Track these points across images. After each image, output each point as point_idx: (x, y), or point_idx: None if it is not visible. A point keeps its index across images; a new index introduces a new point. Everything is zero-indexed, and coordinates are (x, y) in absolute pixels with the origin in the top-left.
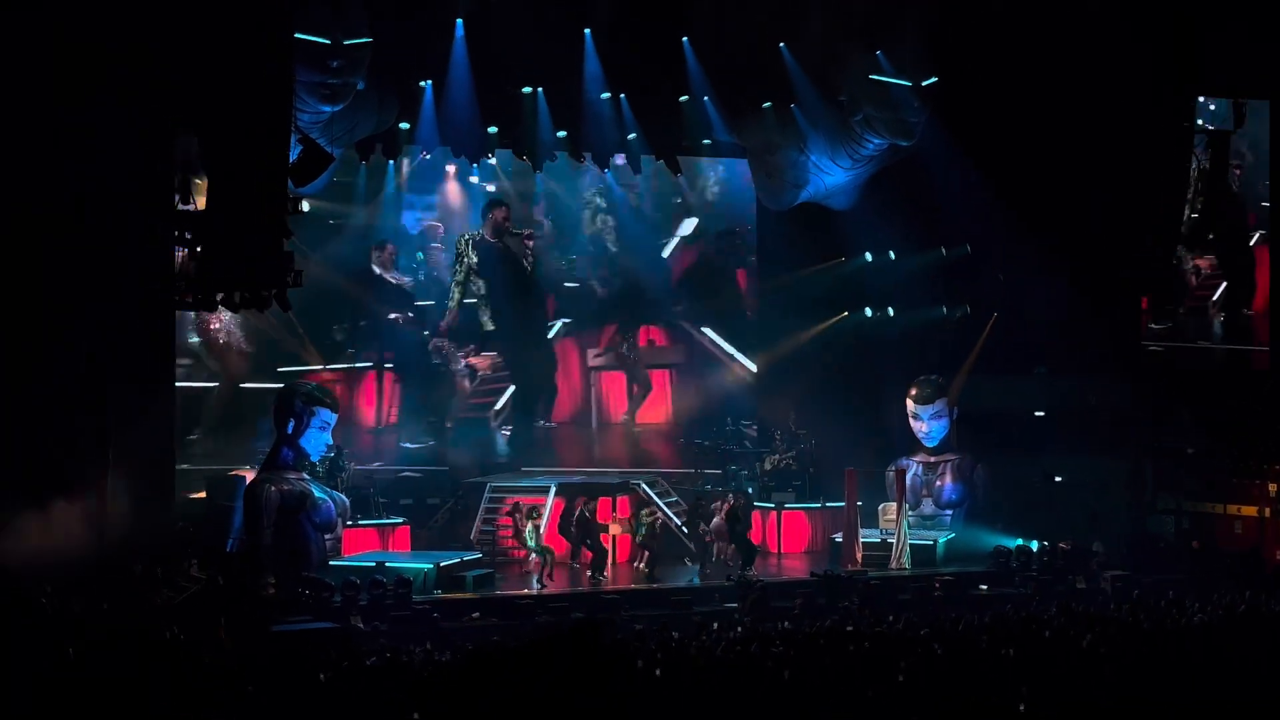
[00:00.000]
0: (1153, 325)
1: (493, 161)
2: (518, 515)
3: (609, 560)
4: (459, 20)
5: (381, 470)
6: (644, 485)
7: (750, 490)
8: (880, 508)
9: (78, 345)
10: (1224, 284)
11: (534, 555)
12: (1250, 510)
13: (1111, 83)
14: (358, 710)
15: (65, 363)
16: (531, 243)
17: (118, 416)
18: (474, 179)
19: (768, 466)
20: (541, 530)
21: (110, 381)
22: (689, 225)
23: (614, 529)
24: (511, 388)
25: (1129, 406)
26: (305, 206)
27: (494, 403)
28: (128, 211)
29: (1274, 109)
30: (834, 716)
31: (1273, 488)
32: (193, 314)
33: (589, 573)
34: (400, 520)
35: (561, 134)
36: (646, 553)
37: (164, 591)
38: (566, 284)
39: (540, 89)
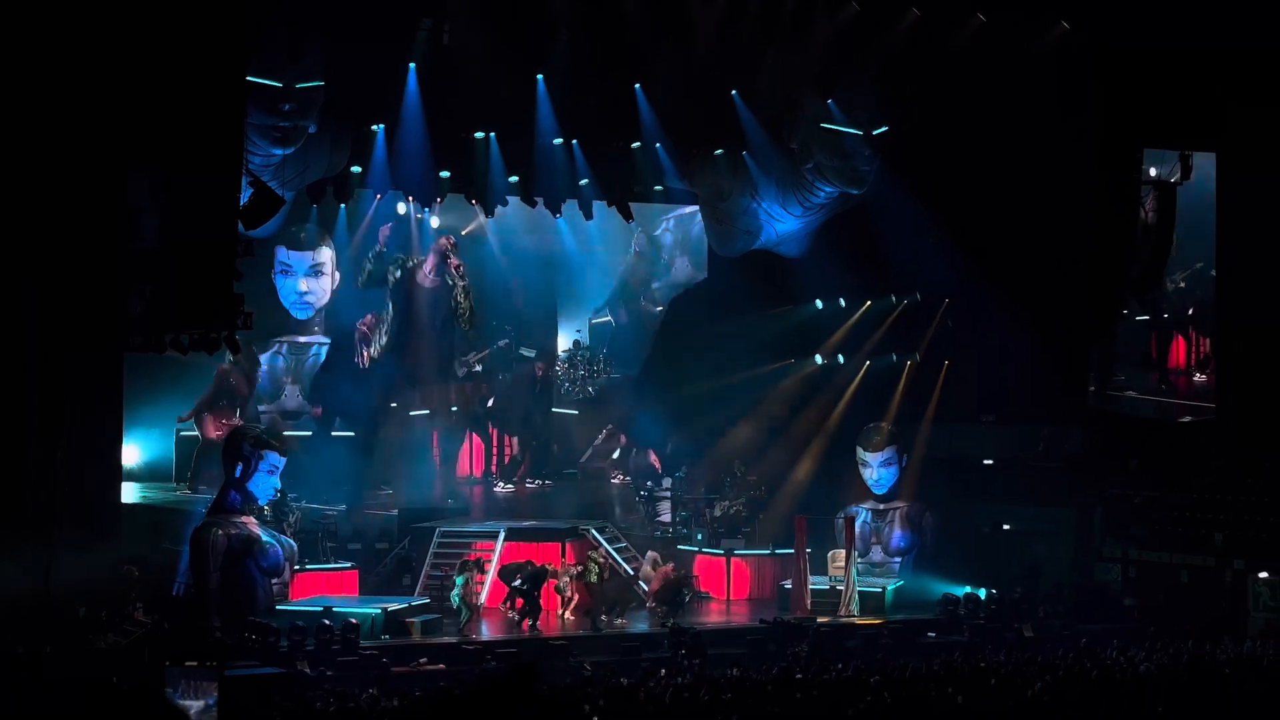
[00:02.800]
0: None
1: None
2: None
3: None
4: (411, 65)
5: (329, 514)
6: (594, 531)
7: (700, 536)
8: (829, 555)
9: (25, 387)
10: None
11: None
12: (1197, 559)
13: (1060, 134)
14: None
15: (11, 404)
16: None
17: (65, 458)
18: None
19: (717, 513)
20: (465, 583)
21: (57, 423)
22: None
23: (562, 578)
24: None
25: (1077, 455)
26: None
27: None
28: (76, 252)
29: (1220, 162)
30: None
31: (1219, 537)
32: None
33: (521, 620)
34: (348, 565)
35: (513, 179)
36: (575, 599)
37: (108, 635)
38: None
39: (493, 134)
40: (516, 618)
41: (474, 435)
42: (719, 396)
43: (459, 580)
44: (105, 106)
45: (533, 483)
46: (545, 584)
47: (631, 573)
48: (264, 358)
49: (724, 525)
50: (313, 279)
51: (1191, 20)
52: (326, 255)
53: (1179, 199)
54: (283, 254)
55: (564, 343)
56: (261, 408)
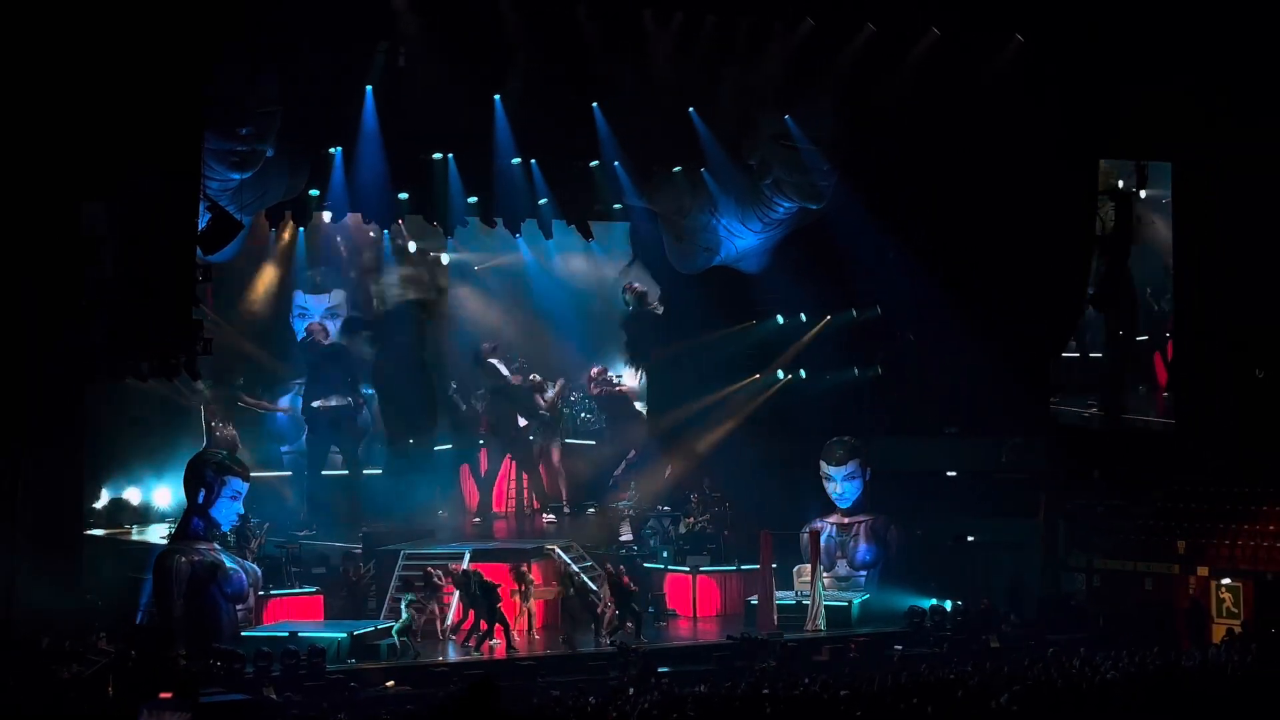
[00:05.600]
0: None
1: None
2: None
3: (511, 628)
4: (369, 87)
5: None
6: (559, 551)
7: (665, 554)
8: (795, 570)
9: None
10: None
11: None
12: (1160, 567)
13: (1017, 146)
14: None
15: None
16: None
17: (26, 487)
18: None
19: (682, 529)
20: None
21: (18, 452)
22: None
23: (534, 596)
24: None
25: (1040, 466)
26: None
27: None
28: (34, 281)
29: (1176, 171)
30: None
31: (1181, 545)
32: None
33: (476, 640)
34: (313, 589)
35: (472, 199)
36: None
37: (71, 665)
38: None
39: (451, 155)
40: (483, 636)
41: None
42: (682, 414)
43: (405, 603)
44: (61, 133)
45: (549, 516)
46: (499, 599)
47: (596, 589)
48: (284, 400)
49: (689, 542)
50: (330, 321)
51: (1147, 33)
52: (341, 297)
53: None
54: (300, 298)
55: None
56: (284, 448)
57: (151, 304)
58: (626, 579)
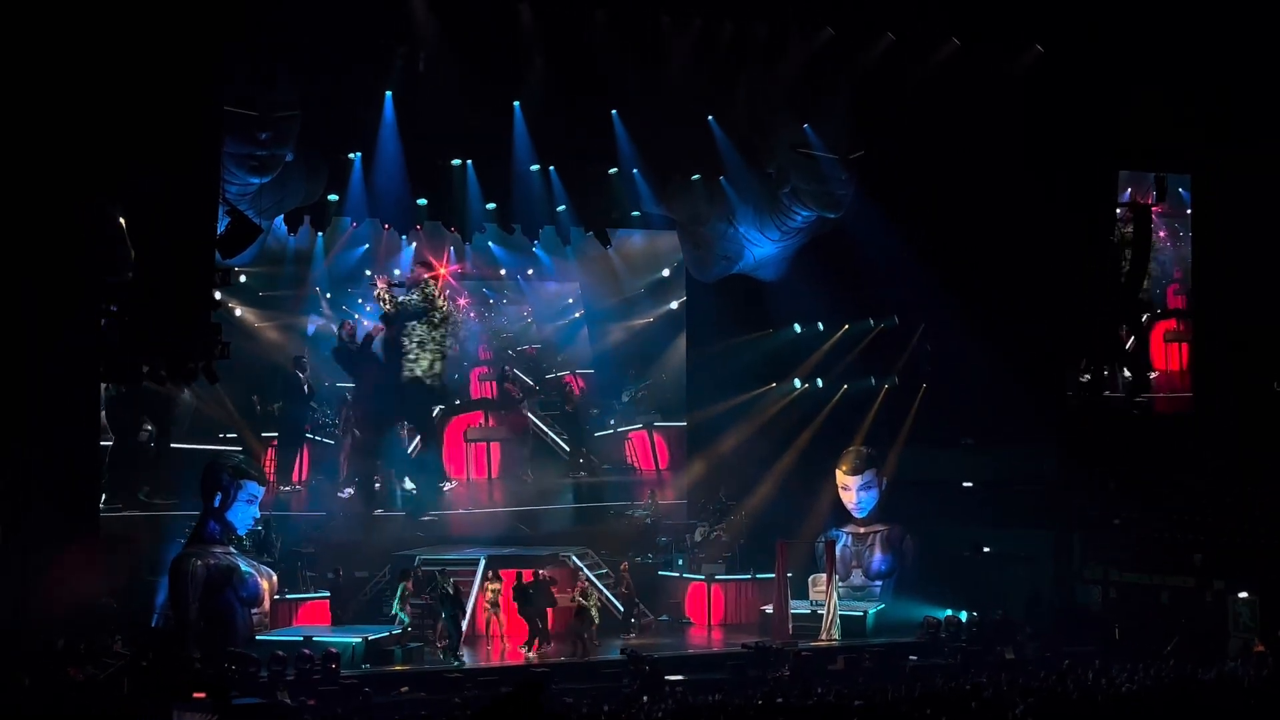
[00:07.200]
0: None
1: None
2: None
3: (460, 641)
4: (388, 92)
5: (311, 541)
6: (574, 558)
7: (681, 562)
8: (810, 579)
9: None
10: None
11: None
12: (1177, 580)
13: (1034, 157)
14: None
15: None
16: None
17: (42, 489)
18: None
19: (698, 538)
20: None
21: (33, 453)
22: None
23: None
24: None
25: (1056, 477)
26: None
27: None
28: (53, 283)
29: (1195, 183)
30: None
31: (1199, 558)
32: None
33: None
34: (328, 594)
35: (491, 206)
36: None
37: (86, 667)
38: None
39: (470, 161)
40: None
41: None
42: (698, 421)
43: (400, 588)
44: (81, 136)
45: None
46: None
47: (614, 600)
48: None
49: (705, 551)
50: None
51: (1166, 43)
52: None
53: None
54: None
55: None
56: None
57: (169, 307)
58: (582, 582)
